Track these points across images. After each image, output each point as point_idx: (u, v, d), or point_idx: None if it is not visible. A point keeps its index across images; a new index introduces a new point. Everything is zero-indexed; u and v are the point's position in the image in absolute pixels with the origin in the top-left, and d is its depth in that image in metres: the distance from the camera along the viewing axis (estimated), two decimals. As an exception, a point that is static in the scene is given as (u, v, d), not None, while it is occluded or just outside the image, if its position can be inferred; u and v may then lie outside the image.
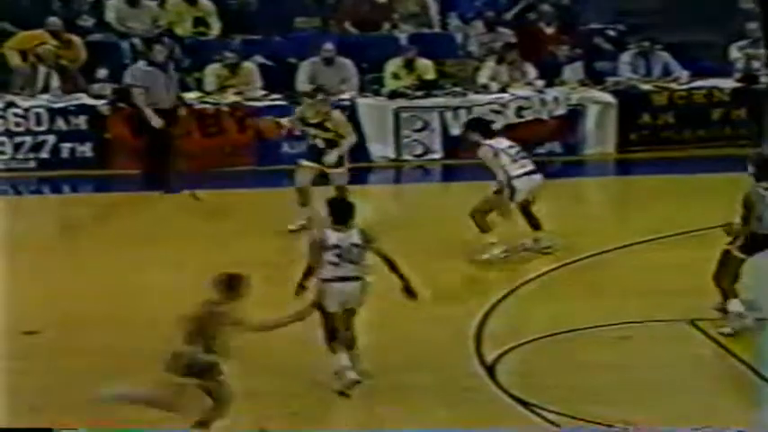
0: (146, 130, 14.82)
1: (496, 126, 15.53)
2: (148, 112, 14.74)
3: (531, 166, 11.70)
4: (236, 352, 7.99)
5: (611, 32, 16.73)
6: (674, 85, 15.81)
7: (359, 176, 15.10)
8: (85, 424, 7.94)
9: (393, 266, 8.94)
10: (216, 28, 16.63)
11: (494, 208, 11.59)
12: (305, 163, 12.63)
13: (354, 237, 8.90)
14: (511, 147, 11.72)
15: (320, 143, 12.50)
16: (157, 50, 14.99)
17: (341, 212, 9.01)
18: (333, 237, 8.88)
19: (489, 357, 9.53)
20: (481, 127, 12.11)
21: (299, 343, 9.20)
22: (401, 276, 8.97)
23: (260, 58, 16.20)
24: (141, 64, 15.20)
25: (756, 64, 15.87)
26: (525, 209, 11.72)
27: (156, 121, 14.73)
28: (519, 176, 11.55)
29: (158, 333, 9.73)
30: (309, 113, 12.47)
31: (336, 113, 12.68)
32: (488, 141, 11.72)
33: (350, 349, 9.00)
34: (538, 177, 11.71)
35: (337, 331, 8.94)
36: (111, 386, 8.13)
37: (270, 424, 8.40)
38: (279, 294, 9.17)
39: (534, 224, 11.75)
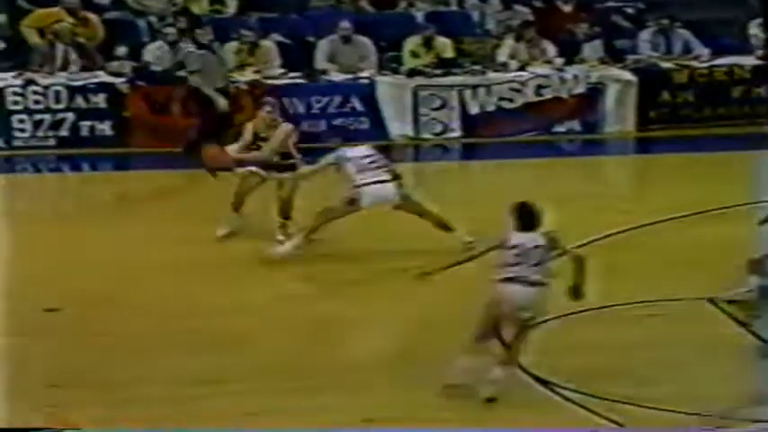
0: (202, 111, 14.65)
1: (515, 105, 15.62)
2: (212, 94, 14.64)
3: (385, 176, 11.24)
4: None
5: (630, 10, 16.63)
6: (694, 63, 15.70)
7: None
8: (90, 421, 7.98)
9: (581, 266, 8.53)
10: (232, 6, 16.58)
11: (339, 215, 11.23)
12: (253, 169, 11.91)
13: (539, 240, 8.51)
14: (366, 156, 11.32)
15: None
16: (202, 33, 14.93)
17: (527, 217, 8.55)
18: (515, 238, 8.50)
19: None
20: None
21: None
22: (581, 275, 8.52)
23: (278, 37, 16.15)
24: (191, 47, 15.12)
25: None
26: (421, 215, 11.34)
27: (222, 103, 14.68)
28: (367, 185, 11.13)
29: (173, 311, 9.79)
30: (261, 128, 12.04)
31: (280, 128, 11.91)
32: (344, 149, 11.38)
33: (504, 364, 8.49)
34: (389, 188, 11.21)
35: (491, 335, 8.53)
36: (131, 365, 8.17)
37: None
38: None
39: (442, 226, 11.34)
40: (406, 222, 11.42)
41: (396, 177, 11.36)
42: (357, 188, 11.13)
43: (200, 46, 14.96)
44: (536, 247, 8.46)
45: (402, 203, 11.35)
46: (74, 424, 7.82)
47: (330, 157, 11.41)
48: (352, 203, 11.16)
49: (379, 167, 11.29)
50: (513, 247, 8.46)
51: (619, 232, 11.69)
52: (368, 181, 11.19)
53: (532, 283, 8.44)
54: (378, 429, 8.04)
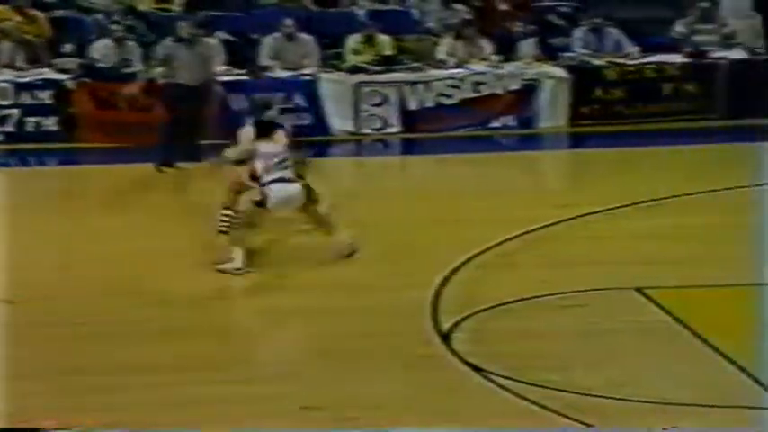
0: (173, 104, 14.37)
1: (452, 101, 15.70)
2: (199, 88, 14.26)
3: (289, 175, 10.74)
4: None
5: (564, 9, 16.75)
6: (625, 61, 15.83)
7: (320, 150, 15.19)
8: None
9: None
10: (177, 3, 16.50)
11: (251, 218, 10.77)
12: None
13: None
14: (276, 154, 10.77)
15: None
16: (181, 26, 14.75)
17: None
18: None
19: (445, 325, 9.55)
20: (260, 127, 11.18)
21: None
22: None
23: (222, 34, 16.10)
24: (166, 40, 14.91)
25: (701, 39, 15.91)
26: (312, 214, 10.98)
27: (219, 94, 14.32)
28: (272, 183, 10.65)
29: (126, 301, 9.75)
30: None
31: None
32: (259, 143, 10.89)
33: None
34: (293, 187, 10.73)
35: None
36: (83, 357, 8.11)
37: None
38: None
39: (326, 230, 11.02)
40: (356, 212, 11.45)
41: (300, 177, 10.90)
42: (263, 186, 10.66)
43: (178, 40, 14.78)
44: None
45: (304, 205, 10.88)
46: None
47: (247, 147, 11.00)
48: (261, 205, 10.66)
49: (285, 167, 10.76)
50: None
51: (552, 224, 11.78)
52: (273, 178, 10.67)
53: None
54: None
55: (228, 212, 11.24)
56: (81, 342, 9.15)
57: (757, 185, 12.27)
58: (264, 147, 10.87)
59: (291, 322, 9.79)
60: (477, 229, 11.43)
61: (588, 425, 7.92)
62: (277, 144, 10.93)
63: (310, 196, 10.89)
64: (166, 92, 14.39)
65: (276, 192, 10.65)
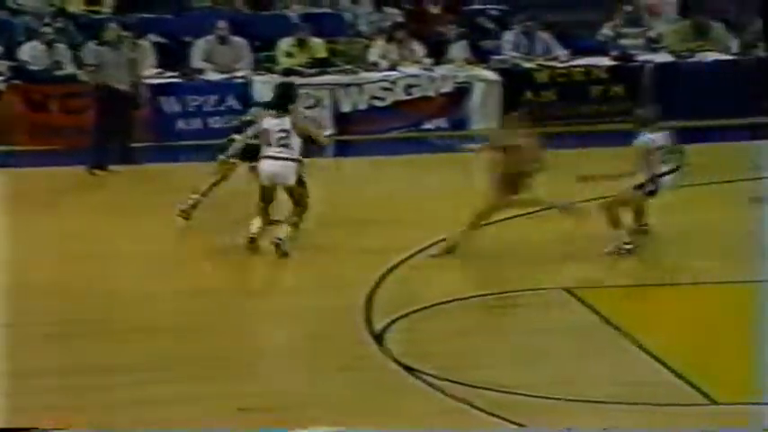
0: (104, 107, 14.25)
1: (385, 103, 15.75)
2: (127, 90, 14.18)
3: (285, 153, 10.90)
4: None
5: (495, 12, 16.86)
6: (554, 64, 15.98)
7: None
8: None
9: None
10: (108, 6, 16.39)
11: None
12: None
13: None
14: (279, 130, 10.93)
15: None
16: (109, 29, 14.59)
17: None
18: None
19: (379, 326, 9.59)
20: (277, 102, 11.29)
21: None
22: None
23: (154, 37, 16.02)
24: (92, 44, 14.78)
25: (628, 42, 16.10)
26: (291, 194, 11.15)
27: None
28: (265, 158, 10.93)
29: (75, 301, 9.67)
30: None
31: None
32: (266, 119, 11.06)
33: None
34: (278, 164, 10.90)
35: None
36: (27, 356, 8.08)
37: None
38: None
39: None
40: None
41: (297, 160, 11.00)
42: (261, 159, 10.92)
43: (102, 43, 14.63)
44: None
45: (292, 187, 11.05)
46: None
47: (253, 129, 11.20)
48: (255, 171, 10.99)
49: (283, 145, 10.90)
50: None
51: (484, 225, 11.84)
52: (267, 154, 10.88)
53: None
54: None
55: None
56: (31, 342, 9.09)
57: (684, 186, 12.45)
58: (269, 122, 10.97)
59: (229, 324, 9.78)
60: (411, 230, 11.48)
61: (519, 424, 8.00)
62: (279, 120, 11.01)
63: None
64: (97, 95, 14.29)
65: (264, 168, 10.92)
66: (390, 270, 10.82)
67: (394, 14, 16.50)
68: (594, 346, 9.36)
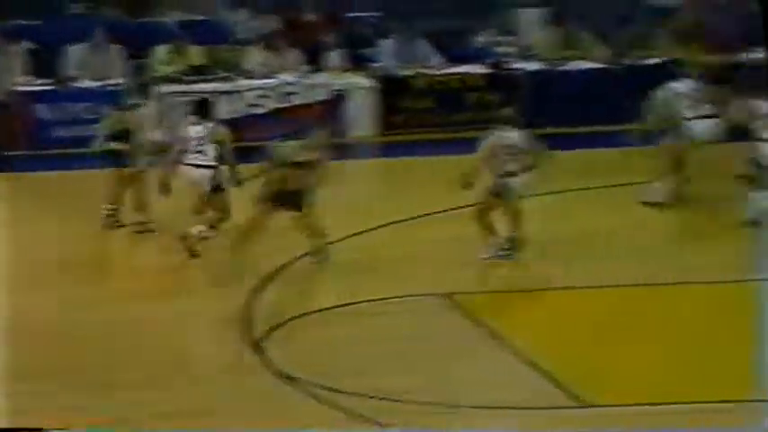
0: None
1: (263, 110, 15.70)
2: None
3: (202, 161, 11.41)
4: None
5: (372, 20, 16.92)
6: (431, 71, 16.09)
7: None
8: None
9: None
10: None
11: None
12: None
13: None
14: (195, 138, 11.45)
15: None
16: None
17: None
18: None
19: (258, 334, 9.56)
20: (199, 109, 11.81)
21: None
22: None
23: (27, 43, 15.73)
24: None
25: (502, 50, 16.30)
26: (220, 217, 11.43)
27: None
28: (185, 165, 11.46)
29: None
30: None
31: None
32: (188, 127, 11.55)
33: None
34: (198, 173, 11.39)
35: None
36: None
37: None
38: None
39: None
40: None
41: (213, 167, 11.34)
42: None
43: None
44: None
45: (212, 196, 11.32)
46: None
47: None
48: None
49: (199, 151, 11.33)
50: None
51: (362, 232, 11.89)
52: (187, 162, 11.29)
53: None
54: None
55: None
56: None
57: (551, 193, 12.69)
58: (192, 129, 11.46)
59: (110, 332, 9.67)
60: (288, 239, 11.45)
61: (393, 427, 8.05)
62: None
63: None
64: None
65: (184, 173, 11.26)
66: (269, 278, 10.80)
67: (271, 22, 16.45)
68: (469, 351, 9.45)
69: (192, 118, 11.69)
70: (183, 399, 8.48)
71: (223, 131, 11.67)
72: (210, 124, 11.61)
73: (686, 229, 12.68)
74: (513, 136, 11.20)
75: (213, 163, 11.43)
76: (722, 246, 11.52)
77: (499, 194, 11.14)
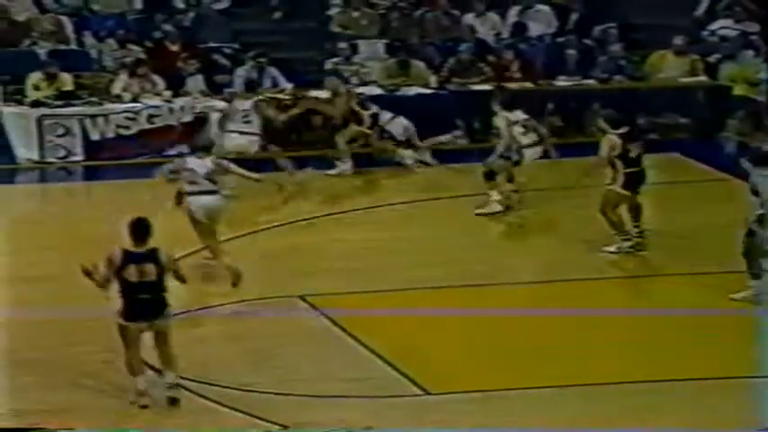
0: None
1: (130, 132, 15.58)
2: None
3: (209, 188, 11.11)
4: None
5: (228, 50, 16.97)
6: (281, 96, 16.17)
7: (6, 177, 14.73)
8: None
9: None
10: None
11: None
12: None
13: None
14: (194, 170, 11.09)
15: None
16: None
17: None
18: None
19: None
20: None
21: None
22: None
23: None
24: None
25: (346, 76, 16.49)
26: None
27: None
28: (193, 194, 11.07)
29: None
30: None
31: None
32: (188, 158, 11.35)
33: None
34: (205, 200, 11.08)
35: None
36: None
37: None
38: None
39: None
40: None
41: (214, 192, 11.02)
42: (188, 196, 11.00)
43: None
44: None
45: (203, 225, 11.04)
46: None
47: (176, 164, 11.32)
48: (190, 212, 10.96)
49: (204, 179, 10.96)
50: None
51: (222, 241, 11.88)
52: (194, 190, 10.97)
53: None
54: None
55: None
56: None
57: (393, 204, 12.91)
58: (192, 162, 11.09)
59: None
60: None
61: (259, 418, 8.13)
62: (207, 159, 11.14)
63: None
64: None
65: (198, 204, 10.88)
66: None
67: (136, 51, 16.42)
68: (327, 348, 9.58)
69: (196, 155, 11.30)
70: (53, 398, 8.31)
71: (225, 166, 11.30)
72: (209, 159, 11.22)
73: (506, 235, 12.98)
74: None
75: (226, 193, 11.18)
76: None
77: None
